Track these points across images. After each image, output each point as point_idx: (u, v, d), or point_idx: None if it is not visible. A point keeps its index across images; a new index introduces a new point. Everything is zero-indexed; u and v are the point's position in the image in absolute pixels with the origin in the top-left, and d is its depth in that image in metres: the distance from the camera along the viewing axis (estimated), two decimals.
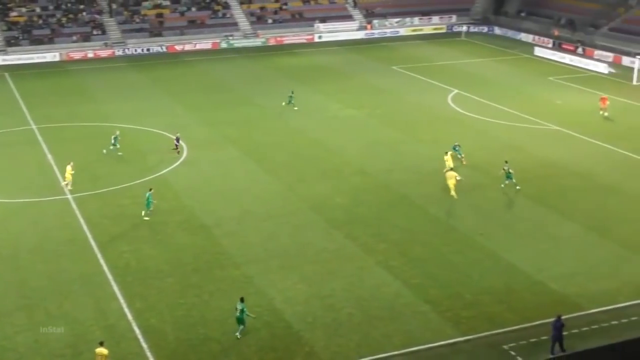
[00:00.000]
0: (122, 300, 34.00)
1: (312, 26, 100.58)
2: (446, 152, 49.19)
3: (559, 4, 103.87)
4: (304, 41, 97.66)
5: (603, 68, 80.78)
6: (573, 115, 63.29)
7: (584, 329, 31.30)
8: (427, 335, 31.34)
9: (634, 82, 74.36)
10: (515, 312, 32.94)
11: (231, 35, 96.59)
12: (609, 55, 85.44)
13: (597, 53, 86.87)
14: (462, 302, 33.87)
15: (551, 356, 29.28)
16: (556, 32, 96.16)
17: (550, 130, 59.19)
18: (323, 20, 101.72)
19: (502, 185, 46.80)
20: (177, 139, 53.96)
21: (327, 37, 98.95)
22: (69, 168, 47.51)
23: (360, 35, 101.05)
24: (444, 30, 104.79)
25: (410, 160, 52.12)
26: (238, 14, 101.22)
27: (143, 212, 43.04)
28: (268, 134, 58.30)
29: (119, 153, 53.32)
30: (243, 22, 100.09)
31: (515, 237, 40.42)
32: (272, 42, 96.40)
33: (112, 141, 53.59)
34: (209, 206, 44.43)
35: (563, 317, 30.26)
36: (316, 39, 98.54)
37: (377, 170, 50.09)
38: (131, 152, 53.65)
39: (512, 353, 29.97)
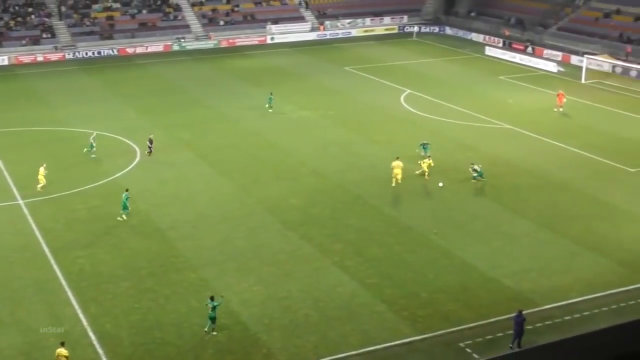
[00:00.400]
0: (76, 306, 33.60)
1: (264, 28, 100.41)
2: (428, 157, 49.40)
3: (508, 4, 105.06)
4: (256, 43, 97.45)
5: (552, 67, 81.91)
6: (524, 113, 64.04)
7: (538, 325, 31.66)
8: (384, 334, 31.46)
9: (583, 81, 75.45)
10: (470, 310, 33.22)
11: (183, 38, 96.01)
12: (558, 55, 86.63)
13: (547, 52, 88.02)
14: (418, 301, 34.07)
15: (513, 349, 29.60)
16: (507, 32, 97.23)
17: (502, 129, 59.83)
18: (275, 21, 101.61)
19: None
20: (150, 141, 53.55)
21: (279, 39, 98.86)
22: (41, 170, 47.04)
23: (312, 36, 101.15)
24: (395, 31, 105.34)
25: (364, 161, 52.30)
26: (190, 16, 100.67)
27: (122, 213, 42.73)
28: (222, 136, 58.07)
29: (92, 156, 52.87)
30: (195, 24, 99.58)
31: (469, 235, 40.77)
32: (224, 44, 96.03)
33: (91, 142, 53.26)
34: (163, 209, 44.11)
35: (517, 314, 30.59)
36: (268, 41, 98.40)
37: (331, 171, 50.18)
38: (84, 156, 53.04)
39: (468, 350, 30.21)
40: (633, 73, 75.06)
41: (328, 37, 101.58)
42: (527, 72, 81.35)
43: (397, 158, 48.61)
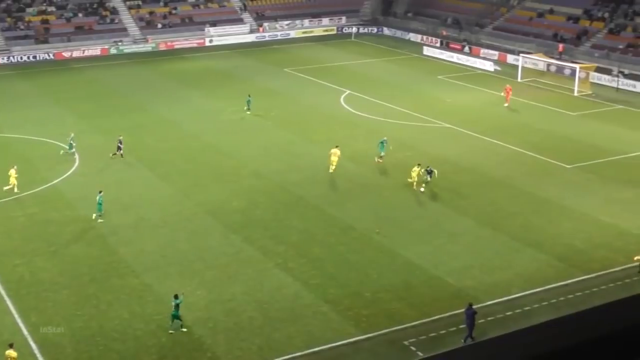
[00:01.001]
0: (16, 315, 32.99)
1: (203, 30, 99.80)
2: (419, 165, 47.62)
3: (444, 4, 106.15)
4: (195, 45, 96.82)
5: (489, 66, 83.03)
6: (462, 112, 64.79)
7: (480, 321, 31.98)
8: (329, 334, 31.52)
9: (519, 79, 76.62)
10: (414, 308, 33.48)
11: (120, 41, 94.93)
12: (495, 54, 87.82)
13: (483, 52, 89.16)
14: (361, 300, 34.22)
15: (465, 342, 29.96)
16: (445, 32, 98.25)
17: (441, 128, 60.44)
18: (213, 24, 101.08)
19: (422, 190, 46.75)
20: (120, 142, 53.10)
21: (218, 41, 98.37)
22: (12, 172, 46.50)
23: (251, 38, 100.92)
24: (334, 32, 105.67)
25: (305, 161, 52.36)
26: (127, 19, 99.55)
27: (94, 215, 42.50)
28: (162, 139, 57.56)
29: (74, 156, 52.84)
30: (132, 27, 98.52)
31: (411, 234, 41.09)
32: (162, 47, 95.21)
33: (70, 142, 53.07)
34: (104, 215, 43.52)
35: (461, 310, 30.91)
36: (207, 43, 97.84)
37: (273, 173, 50.12)
38: (21, 163, 52.00)
39: (413, 348, 30.44)
40: (567, 71, 76.40)
41: (267, 38, 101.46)
42: (464, 71, 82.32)
43: (337, 146, 49.67)
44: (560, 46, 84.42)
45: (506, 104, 66.95)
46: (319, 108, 66.19)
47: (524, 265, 37.59)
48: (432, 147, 55.28)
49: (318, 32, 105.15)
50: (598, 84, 74.68)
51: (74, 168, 51.14)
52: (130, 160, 52.75)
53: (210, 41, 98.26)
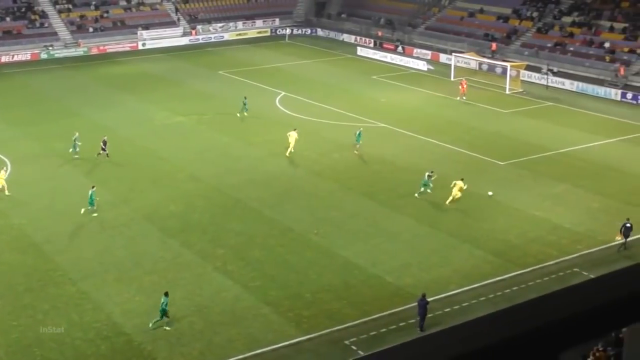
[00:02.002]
0: None
1: (135, 34, 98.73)
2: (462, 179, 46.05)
3: (377, 5, 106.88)
4: (128, 49, 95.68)
5: (422, 65, 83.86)
6: (397, 111, 65.28)
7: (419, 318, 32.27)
8: (270, 336, 31.44)
9: (452, 78, 77.52)
10: (354, 307, 33.60)
11: (51, 46, 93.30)
12: (427, 53, 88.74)
13: (416, 51, 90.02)
14: (302, 301, 34.21)
15: (421, 333, 30.32)
16: (379, 33, 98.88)
17: (377, 127, 60.78)
18: (146, 27, 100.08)
19: (416, 195, 46.05)
20: (104, 142, 52.78)
21: (151, 45, 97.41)
22: (2, 173, 46.22)
23: (184, 41, 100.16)
24: (268, 34, 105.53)
25: (241, 164, 52.14)
26: (57, 23, 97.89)
27: (82, 210, 43.06)
28: (96, 145, 56.59)
29: (76, 156, 52.91)
30: (63, 31, 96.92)
31: (349, 234, 41.23)
32: (94, 51, 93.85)
33: (75, 143, 53.05)
34: (39, 223, 42.73)
35: (402, 308, 31.14)
36: (140, 47, 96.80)
37: (210, 176, 49.80)
38: None
39: (354, 348, 30.53)
40: (498, 69, 77.60)
41: (201, 41, 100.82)
42: (398, 71, 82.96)
43: (295, 129, 52.32)
44: (494, 45, 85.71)
45: (464, 97, 68.95)
46: (254, 110, 65.90)
47: (461, 261, 38.02)
48: (369, 146, 55.51)
49: (252, 34, 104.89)
50: (528, 81, 75.99)
51: (6, 175, 50.00)
52: (64, 167, 51.86)
53: (143, 45, 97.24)
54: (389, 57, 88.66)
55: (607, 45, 79.43)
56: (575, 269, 36.83)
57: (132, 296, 34.61)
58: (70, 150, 53.28)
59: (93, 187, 44.25)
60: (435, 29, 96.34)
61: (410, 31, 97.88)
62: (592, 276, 35.01)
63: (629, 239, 38.87)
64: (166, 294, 32.36)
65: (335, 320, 32.59)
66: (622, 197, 46.08)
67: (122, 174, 50.57)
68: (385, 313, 32.91)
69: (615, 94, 71.46)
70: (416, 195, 46.11)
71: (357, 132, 54.45)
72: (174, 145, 56.31)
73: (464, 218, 43.18)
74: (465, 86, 70.20)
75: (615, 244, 39.30)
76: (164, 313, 31.98)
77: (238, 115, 63.66)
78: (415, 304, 32.25)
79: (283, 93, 71.85)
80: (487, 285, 35.49)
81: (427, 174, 46.77)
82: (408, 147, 55.73)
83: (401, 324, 31.75)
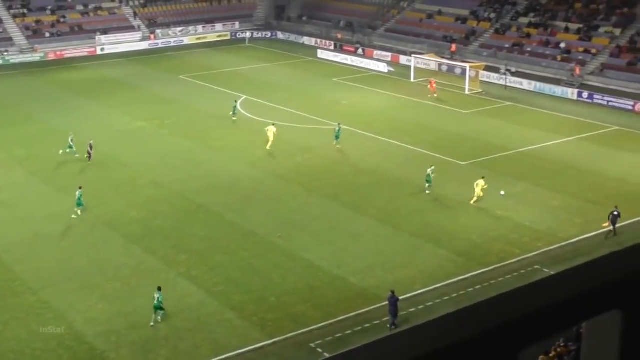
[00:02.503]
0: None
1: (94, 39, 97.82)
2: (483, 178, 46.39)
3: (337, 8, 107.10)
4: (86, 54, 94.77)
5: (383, 67, 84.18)
6: (359, 114, 65.40)
7: (385, 319, 32.37)
8: (235, 341, 31.31)
9: (412, 80, 77.90)
10: (318, 310, 33.58)
11: (6, 51, 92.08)
12: (387, 55, 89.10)
13: (377, 53, 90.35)
14: (266, 305, 34.12)
15: (392, 330, 30.41)
16: (339, 35, 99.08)
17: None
18: (104, 32, 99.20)
19: (427, 192, 46.87)
20: (90, 146, 52.88)
21: (110, 49, 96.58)
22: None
23: (144, 45, 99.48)
24: (228, 38, 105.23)
25: (204, 168, 51.91)
26: (12, 28, 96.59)
27: (77, 210, 43.56)
28: (57, 151, 56.03)
29: (76, 155, 53.25)
30: (18, 36, 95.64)
31: (312, 236, 41.22)
32: (51, 57, 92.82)
33: (70, 143, 53.50)
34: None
35: (367, 309, 31.21)
36: (99, 52, 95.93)
37: (172, 181, 49.51)
38: None
39: (319, 350, 30.51)
40: (457, 70, 78.12)
41: (160, 45, 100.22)
42: (359, 73, 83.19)
43: (273, 124, 55.48)
44: (453, 46, 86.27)
45: (432, 95, 70.46)
46: (215, 114, 65.72)
47: (425, 261, 38.19)
48: (331, 149, 55.60)
49: (212, 38, 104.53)
50: (487, 82, 76.61)
51: None
52: (23, 174, 51.23)
53: (102, 49, 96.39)
54: (349, 60, 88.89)
55: (562, 45, 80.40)
56: (536, 267, 37.21)
57: (94, 304, 34.24)
58: (68, 150, 53.70)
59: (80, 187, 44.26)
60: (395, 31, 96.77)
61: (370, 33, 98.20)
62: (552, 273, 35.47)
63: (617, 226, 40.50)
64: (159, 289, 33.01)
65: (300, 323, 32.55)
66: (580, 194, 46.63)
67: (83, 180, 49.96)
68: (350, 315, 32.93)
69: (571, 93, 72.31)
70: (427, 192, 46.90)
71: (337, 129, 56.01)
72: (135, 151, 55.89)
73: (426, 218, 43.39)
74: (434, 85, 71.30)
75: (604, 232, 40.73)
76: (159, 307, 32.54)
77: (234, 118, 63.60)
78: (381, 304, 32.34)
79: (244, 97, 71.65)
80: (451, 285, 35.69)
81: (429, 170, 47.55)
82: (370, 149, 55.89)
83: (366, 325, 31.80)
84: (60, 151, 53.87)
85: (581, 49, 78.80)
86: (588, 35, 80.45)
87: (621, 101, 68.09)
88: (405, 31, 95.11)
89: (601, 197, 46.24)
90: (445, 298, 34.36)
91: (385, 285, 35.38)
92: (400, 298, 33.33)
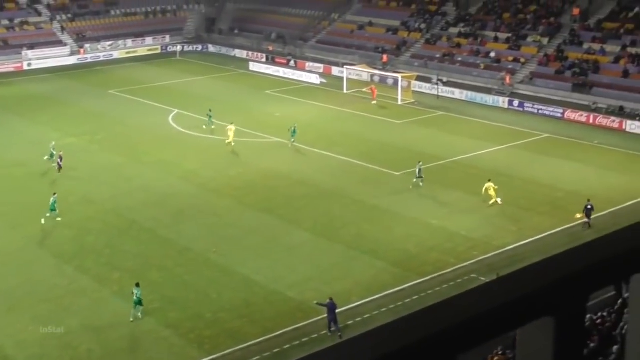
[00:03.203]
0: None
1: (20, 54, 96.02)
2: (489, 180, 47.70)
3: (268, 20, 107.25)
4: (12, 70, 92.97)
5: (315, 79, 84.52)
6: (292, 126, 65.35)
7: (322, 332, 32.34)
8: (172, 359, 30.98)
9: (345, 91, 78.34)
10: (256, 325, 33.37)
11: None
12: (320, 67, 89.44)
13: (309, 65, 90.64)
14: (203, 322, 33.79)
15: (341, 338, 30.44)
16: (271, 47, 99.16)
17: (272, 142, 60.80)
18: (31, 47, 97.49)
19: (417, 182, 49.81)
20: (60, 158, 52.81)
21: (37, 65, 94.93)
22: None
23: (72, 60, 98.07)
24: (158, 51, 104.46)
25: (136, 184, 51.27)
26: None
27: (53, 215, 44.39)
28: None
29: (53, 165, 53.67)
30: None
31: (248, 250, 41.00)
32: None
33: (52, 151, 54.40)
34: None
35: (304, 323, 31.14)
36: (25, 67, 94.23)
37: (103, 197, 48.79)
38: None
39: None
40: (390, 81, 78.82)
41: (89, 60, 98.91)
42: (291, 85, 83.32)
43: (232, 123, 58.87)
44: (384, 57, 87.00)
45: (375, 102, 72.46)
46: (147, 129, 65.10)
47: (361, 273, 38.30)
48: (264, 161, 55.53)
49: (142, 51, 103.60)
50: (420, 92, 77.44)
51: None
52: None
53: (29, 65, 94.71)
54: (281, 72, 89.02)
55: (492, 54, 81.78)
56: (472, 275, 37.59)
57: (25, 326, 33.44)
58: (46, 157, 54.39)
59: (55, 194, 45.22)
60: (327, 42, 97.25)
61: (302, 45, 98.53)
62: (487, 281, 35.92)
63: (591, 218, 42.96)
64: (137, 285, 34.11)
65: (237, 339, 32.29)
66: (513, 201, 47.35)
67: (12, 198, 48.99)
68: (288, 329, 32.78)
69: (502, 102, 73.57)
70: (420, 184, 49.65)
71: (292, 128, 58.61)
72: (66, 167, 54.91)
73: (361, 230, 43.55)
74: (375, 92, 72.89)
75: (578, 223, 42.97)
76: (139, 302, 33.59)
77: (204, 127, 63.94)
78: (319, 317, 32.30)
79: (176, 111, 71.13)
80: (389, 296, 35.81)
81: (418, 166, 50.04)
82: (304, 161, 55.95)
83: (304, 340, 31.71)
84: (46, 157, 54.76)
85: (510, 58, 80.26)
86: (517, 45, 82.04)
87: (551, 109, 69.49)
88: (337, 42, 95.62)
89: (534, 203, 47.09)
90: (383, 309, 34.47)
91: (322, 298, 35.34)
92: (338, 311, 33.37)
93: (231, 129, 59.11)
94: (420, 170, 50.02)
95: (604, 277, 3.16)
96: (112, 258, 40.15)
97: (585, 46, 77.54)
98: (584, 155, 57.13)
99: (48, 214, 44.53)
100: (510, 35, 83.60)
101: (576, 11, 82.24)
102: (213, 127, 63.62)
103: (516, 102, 72.42)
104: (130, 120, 68.40)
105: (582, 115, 67.31)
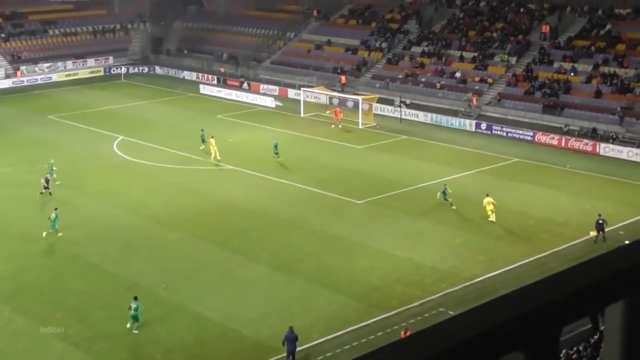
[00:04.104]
0: None
1: None
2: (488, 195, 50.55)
3: (219, 39, 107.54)
4: None
5: (270, 102, 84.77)
6: (246, 152, 65.54)
7: None
8: None
9: (302, 115, 78.65)
10: None
11: None
12: (275, 89, 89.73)
13: (263, 87, 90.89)
14: None
15: None
16: (222, 69, 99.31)
17: (224, 170, 60.82)
18: None
19: (440, 198, 51.90)
20: (47, 180, 54.17)
21: None
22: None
23: (7, 84, 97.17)
24: (101, 74, 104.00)
25: (79, 216, 50.85)
26: None
27: (44, 233, 46.58)
28: None
29: (57, 182, 56.00)
30: None
31: (201, 285, 40.88)
32: None
33: (51, 169, 56.85)
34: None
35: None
36: None
37: (45, 230, 48.30)
38: None
39: None
40: (350, 103, 79.25)
41: (26, 83, 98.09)
42: (245, 109, 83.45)
43: (212, 137, 61.71)
44: (343, 78, 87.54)
45: (337, 125, 73.60)
46: (91, 157, 64.70)
47: (322, 308, 38.36)
48: (216, 190, 55.48)
49: (84, 74, 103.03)
50: (381, 115, 78.07)
51: None
52: None
53: None
54: (234, 95, 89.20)
55: (458, 75, 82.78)
56: (440, 309, 37.83)
57: None
58: (47, 176, 55.58)
59: (56, 209, 47.50)
60: (282, 63, 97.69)
61: (256, 66, 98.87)
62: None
63: (605, 231, 45.69)
64: (135, 298, 36.15)
65: None
66: (482, 230, 47.86)
67: None
68: None
69: (469, 124, 74.44)
70: (439, 197, 52.00)
71: (274, 144, 62.96)
72: (3, 199, 54.39)
73: (321, 262, 43.64)
74: (339, 115, 73.79)
75: (589, 239, 45.75)
76: (135, 317, 35.68)
77: (202, 148, 65.32)
78: (278, 356, 32.23)
79: (121, 137, 70.84)
80: (352, 332, 35.90)
81: (443, 188, 52.23)
82: (259, 190, 56.02)
83: None
84: (47, 175, 55.78)
85: (477, 78, 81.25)
86: (484, 64, 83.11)
87: (520, 131, 70.37)
88: (293, 63, 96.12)
89: (503, 231, 47.64)
90: (346, 347, 34.54)
91: (280, 336, 35.29)
92: (298, 349, 33.38)
93: (211, 142, 62.82)
94: (445, 192, 51.93)
95: (577, 309, 3.13)
96: (53, 296, 39.78)
97: (556, 65, 78.91)
98: (556, 180, 57.96)
99: (50, 230, 46.87)
100: (476, 54, 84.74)
101: (545, 28, 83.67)
102: (202, 147, 65.34)
103: (484, 125, 73.31)
104: (73, 147, 67.91)
105: (553, 138, 68.33)
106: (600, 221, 45.72)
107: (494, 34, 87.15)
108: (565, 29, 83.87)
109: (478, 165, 61.59)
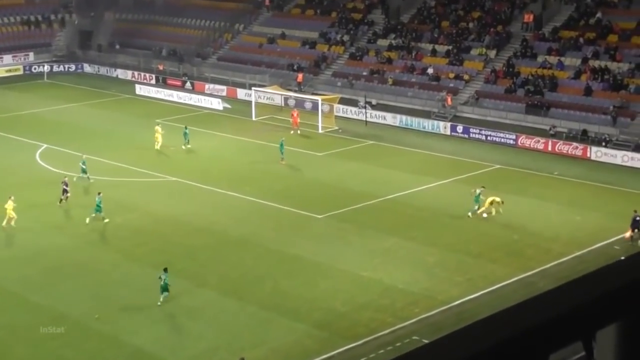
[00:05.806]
0: None
1: None
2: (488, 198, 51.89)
3: (157, 33, 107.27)
4: None
5: (217, 104, 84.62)
6: (190, 161, 65.38)
7: None
8: None
9: (254, 118, 78.57)
10: None
11: None
12: (222, 89, 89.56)
13: (209, 87, 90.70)
14: None
15: None
16: (161, 66, 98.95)
17: (166, 182, 60.55)
18: None
19: (469, 214, 52.16)
20: (66, 184, 54.66)
21: None
22: (10, 203, 50.51)
23: None
24: (20, 72, 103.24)
25: None
26: None
27: (101, 216, 50.27)
28: None
29: (91, 180, 58.96)
30: None
31: (140, 315, 40.64)
32: None
33: (82, 167, 59.43)
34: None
35: None
36: None
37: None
38: None
39: None
40: (308, 105, 79.27)
41: None
42: (188, 112, 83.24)
43: (158, 124, 66.84)
44: (299, 76, 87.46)
45: (298, 131, 73.45)
46: (9, 169, 64.08)
47: (279, 338, 38.26)
48: (157, 205, 55.23)
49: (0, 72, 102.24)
50: (344, 117, 78.23)
51: None
52: None
53: None
54: (175, 96, 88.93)
55: (430, 71, 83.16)
56: (414, 337, 37.87)
57: None
58: (82, 175, 59.25)
59: (99, 193, 51.52)
60: (230, 59, 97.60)
61: (200, 63, 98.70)
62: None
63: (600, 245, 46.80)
64: (165, 270, 40.46)
65: None
66: (459, 246, 48.05)
67: None
68: None
69: (444, 127, 74.76)
70: (469, 214, 52.15)
71: (280, 142, 64.47)
72: None
73: (278, 285, 43.55)
74: (297, 118, 73.57)
75: (583, 253, 45.99)
76: (165, 288, 39.94)
77: (183, 147, 68.01)
78: None
79: (45, 146, 70.26)
80: None
81: (477, 191, 52.71)
82: (206, 204, 55.85)
83: None
84: (75, 178, 58.63)
85: (452, 75, 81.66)
86: (459, 59, 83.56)
87: (501, 135, 70.77)
88: (243, 59, 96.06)
89: (484, 248, 47.86)
90: None
91: None
92: None
93: (158, 130, 67.26)
94: (478, 195, 52.47)
95: (566, 334, 3.15)
96: None
97: (540, 59, 79.51)
98: (542, 189, 58.43)
99: (93, 215, 50.82)
100: (450, 47, 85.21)
101: (528, 17, 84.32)
102: (189, 146, 67.99)
103: (460, 128, 73.72)
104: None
105: (538, 142, 68.89)
106: (638, 218, 46.91)
107: (470, 25, 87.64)
108: (550, 19, 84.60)
109: (454, 174, 61.87)
